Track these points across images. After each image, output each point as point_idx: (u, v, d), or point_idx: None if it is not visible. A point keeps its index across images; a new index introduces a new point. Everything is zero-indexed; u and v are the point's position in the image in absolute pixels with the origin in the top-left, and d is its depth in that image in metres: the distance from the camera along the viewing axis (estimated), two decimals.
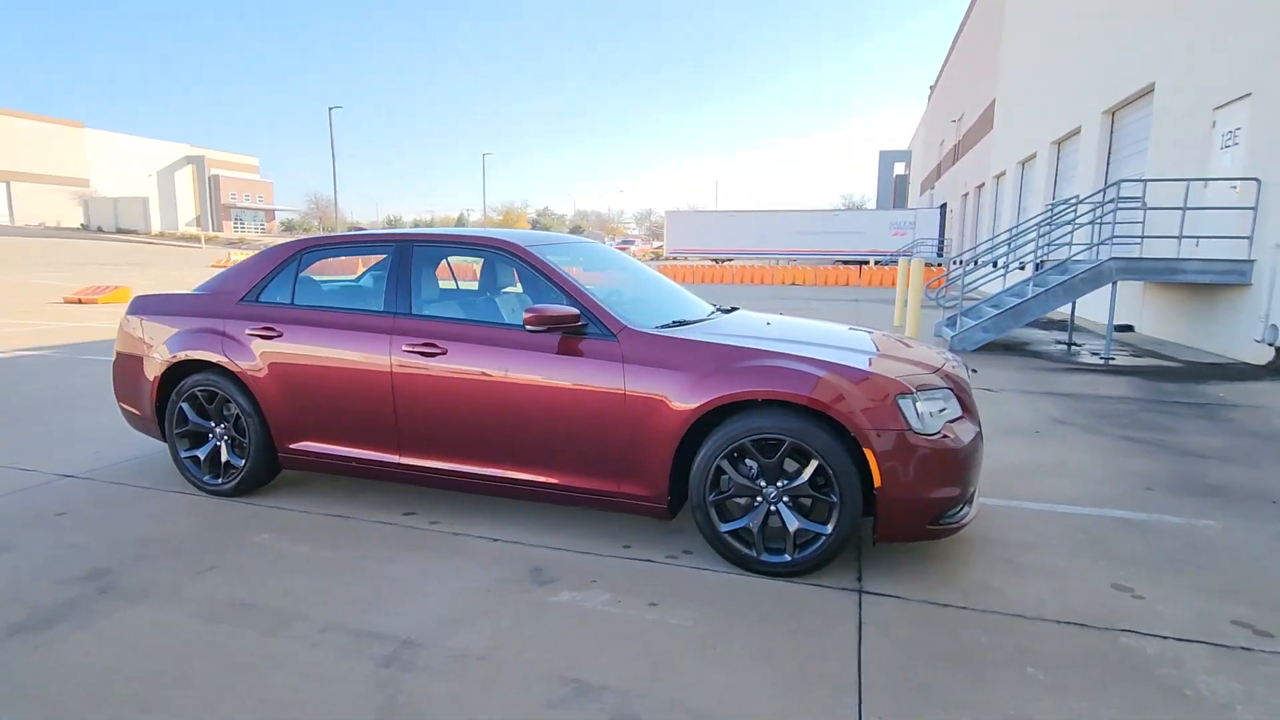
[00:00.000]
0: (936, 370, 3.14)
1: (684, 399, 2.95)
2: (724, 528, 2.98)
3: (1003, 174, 21.18)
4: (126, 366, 4.04)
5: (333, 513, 3.59)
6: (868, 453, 2.78)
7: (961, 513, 2.97)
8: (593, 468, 3.16)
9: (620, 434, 3.07)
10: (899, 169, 64.14)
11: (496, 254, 3.58)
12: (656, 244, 60.25)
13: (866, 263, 32.62)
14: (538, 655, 2.38)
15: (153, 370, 3.89)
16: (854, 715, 2.08)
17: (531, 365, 3.19)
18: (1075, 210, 10.96)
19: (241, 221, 74.47)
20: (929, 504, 2.83)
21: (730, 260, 37.32)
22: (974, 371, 3.77)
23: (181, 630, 2.51)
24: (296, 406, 3.61)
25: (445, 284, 4.07)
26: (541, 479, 3.26)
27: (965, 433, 2.96)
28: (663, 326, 3.28)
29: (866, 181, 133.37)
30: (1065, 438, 5.04)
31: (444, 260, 4.12)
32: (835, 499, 2.83)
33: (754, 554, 2.95)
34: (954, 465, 2.85)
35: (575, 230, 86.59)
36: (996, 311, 9.58)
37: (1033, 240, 11.02)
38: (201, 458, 3.82)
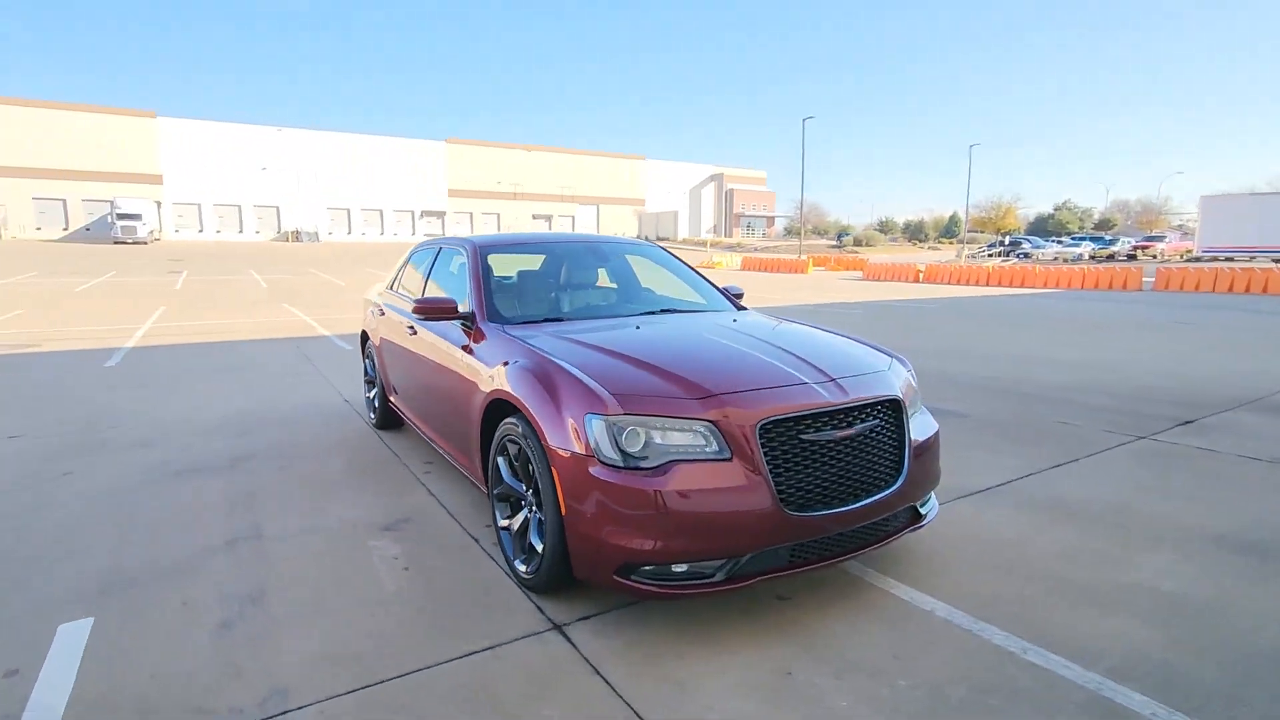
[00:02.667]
0: (726, 394, 2.45)
1: (483, 390, 3.07)
2: (500, 522, 2.99)
3: None
4: None
5: None
6: (554, 471, 2.47)
7: (676, 574, 2.33)
8: (457, 442, 3.50)
9: (461, 412, 3.33)
10: None
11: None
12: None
13: None
14: None
15: None
16: None
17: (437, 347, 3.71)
18: None
19: (751, 227, 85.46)
20: (611, 549, 2.34)
21: None
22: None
23: None
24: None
25: None
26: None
27: (704, 479, 2.30)
28: (529, 324, 3.35)
29: None
30: None
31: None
32: (540, 514, 2.60)
33: (509, 555, 2.89)
34: (651, 510, 2.28)
35: (1103, 225, 71.86)
36: None
37: None
38: None
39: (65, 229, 53.41)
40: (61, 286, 18.57)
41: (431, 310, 3.46)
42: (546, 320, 3.46)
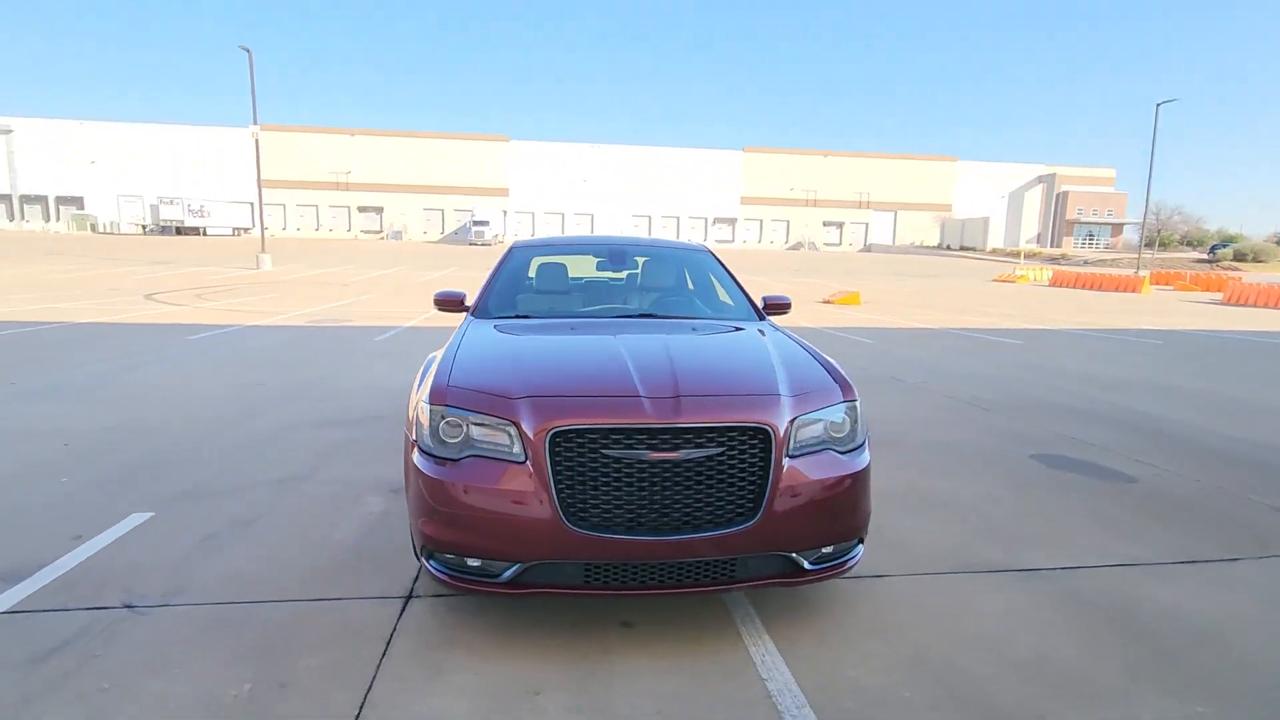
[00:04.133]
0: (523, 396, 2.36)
1: None
2: None
3: None
4: None
5: None
6: (405, 450, 2.63)
7: (469, 568, 2.32)
8: None
9: None
10: None
11: None
12: None
13: None
14: None
15: None
16: None
17: None
18: None
19: (1093, 236, 72.21)
20: (418, 533, 2.42)
21: None
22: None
23: None
24: None
25: None
26: None
27: (494, 479, 2.27)
28: (504, 318, 3.51)
29: None
30: None
31: None
32: None
33: None
34: (445, 500, 2.32)
35: None
36: None
37: None
38: None
39: (442, 233, 67.53)
40: (413, 278, 23.64)
41: (442, 303, 3.83)
42: (519, 317, 3.57)
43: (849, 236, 73.95)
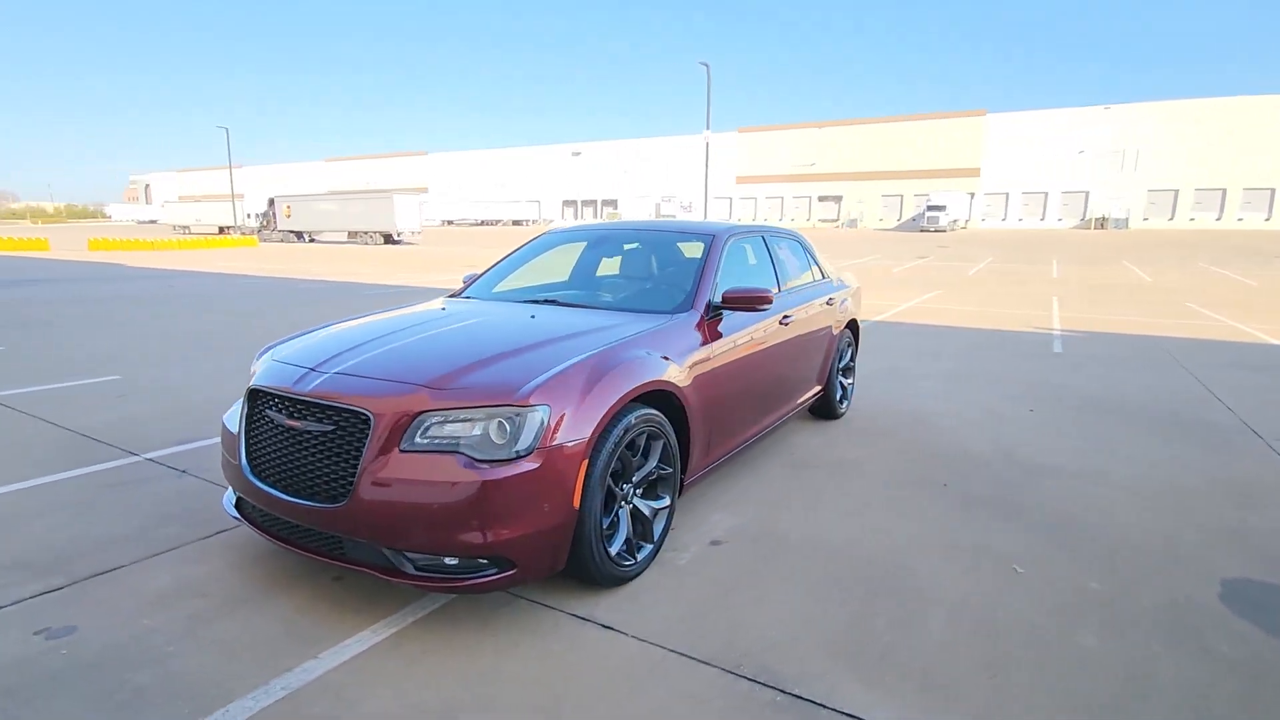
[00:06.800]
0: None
1: None
2: None
3: None
4: None
5: None
6: None
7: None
8: None
9: None
10: None
11: None
12: None
13: None
14: None
15: None
16: None
17: None
18: None
19: None
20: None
21: None
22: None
23: None
24: None
25: None
26: None
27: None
28: (482, 300, 4.04)
29: None
30: None
31: None
32: None
33: None
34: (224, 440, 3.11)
35: None
36: None
37: None
38: None
39: (899, 219, 65.46)
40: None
41: (465, 284, 4.53)
42: (536, 302, 3.86)
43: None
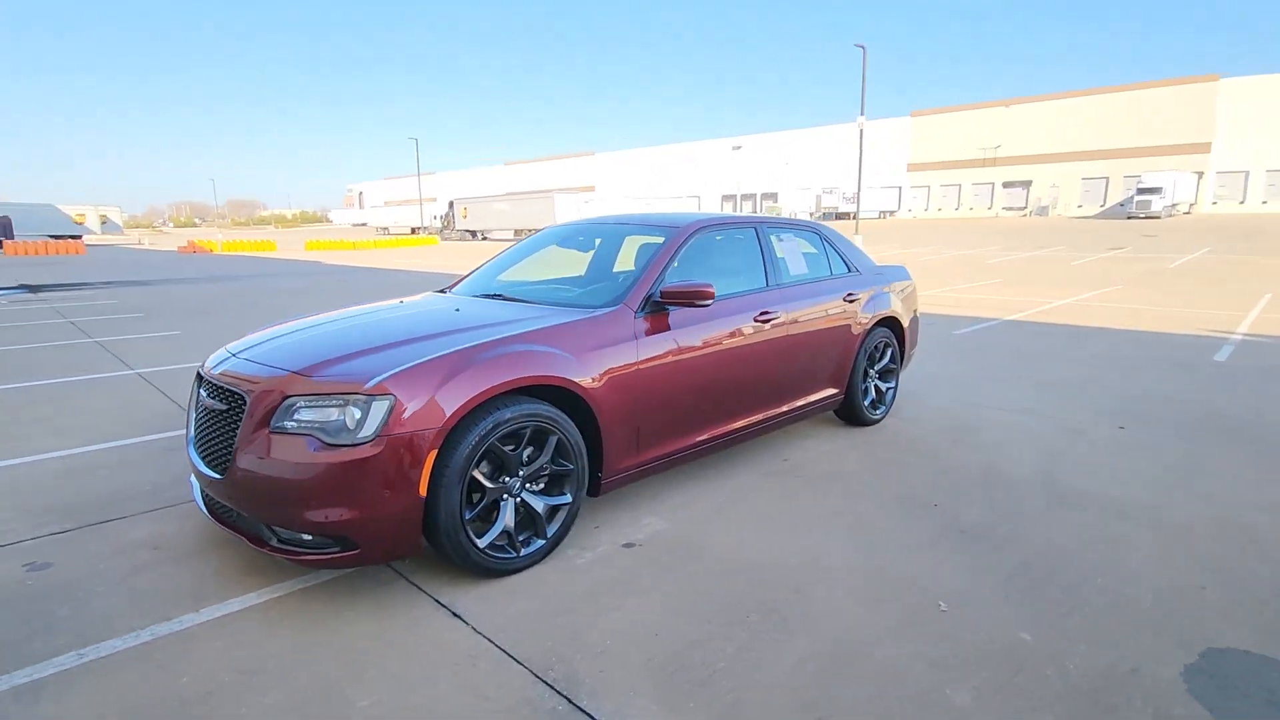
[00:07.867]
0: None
1: None
2: None
3: None
4: None
5: None
6: None
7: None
8: None
9: None
10: None
11: None
12: None
13: None
14: None
15: None
16: None
17: None
18: None
19: None
20: None
21: None
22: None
23: None
24: None
25: None
26: None
27: None
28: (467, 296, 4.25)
29: None
30: None
31: None
32: None
33: None
34: None
35: None
36: None
37: None
38: None
39: (1102, 205, 57.48)
40: (1052, 260, 22.17)
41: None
42: (484, 296, 4.04)
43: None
